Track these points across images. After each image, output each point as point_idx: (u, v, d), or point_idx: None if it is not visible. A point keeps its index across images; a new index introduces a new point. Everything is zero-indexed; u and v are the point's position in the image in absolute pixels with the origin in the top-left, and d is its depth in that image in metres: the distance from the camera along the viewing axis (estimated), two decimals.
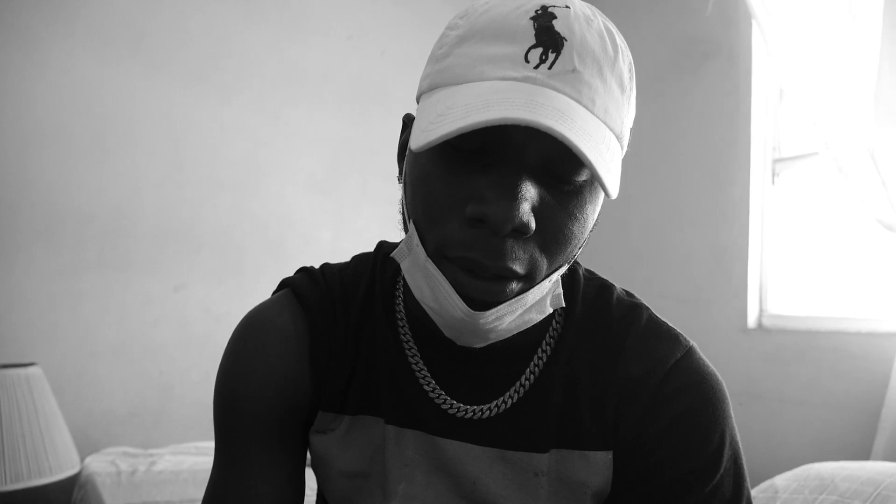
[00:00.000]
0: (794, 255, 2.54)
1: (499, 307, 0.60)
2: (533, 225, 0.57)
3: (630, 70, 0.62)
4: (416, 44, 3.04)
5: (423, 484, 0.72)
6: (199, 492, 1.96)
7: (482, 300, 0.60)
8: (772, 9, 2.30)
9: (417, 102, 0.67)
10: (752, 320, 2.55)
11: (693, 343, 0.73)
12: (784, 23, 2.28)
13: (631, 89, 0.62)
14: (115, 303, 2.40)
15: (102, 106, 2.39)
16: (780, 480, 1.63)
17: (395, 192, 2.72)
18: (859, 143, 2.04)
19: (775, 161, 2.59)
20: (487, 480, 0.70)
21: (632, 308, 0.75)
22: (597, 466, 0.70)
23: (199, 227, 2.58)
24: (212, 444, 2.33)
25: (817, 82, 2.16)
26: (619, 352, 0.72)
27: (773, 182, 2.59)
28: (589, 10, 0.61)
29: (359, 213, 2.90)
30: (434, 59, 0.63)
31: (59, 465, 1.86)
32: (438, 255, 0.61)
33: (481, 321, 0.61)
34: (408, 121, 0.72)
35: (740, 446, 0.70)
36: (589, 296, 0.75)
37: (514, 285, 0.60)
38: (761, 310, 2.57)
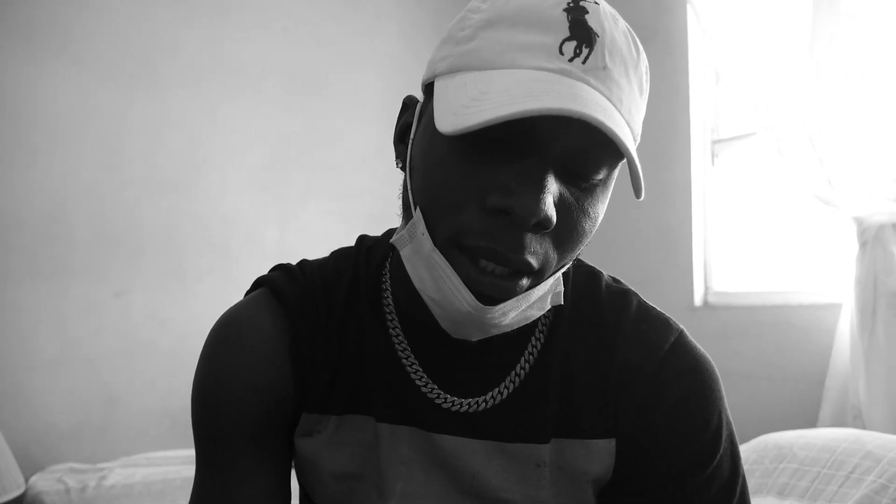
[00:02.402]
0: (736, 233, 2.62)
1: (506, 303, 0.60)
2: (555, 220, 0.56)
3: (647, 73, 0.62)
4: (354, 35, 2.99)
5: (422, 481, 0.70)
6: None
7: (491, 296, 0.59)
8: None
9: (425, 85, 0.65)
10: (698, 298, 2.62)
11: (682, 326, 0.74)
12: (718, 6, 2.34)
13: (646, 93, 0.63)
14: (52, 312, 2.28)
15: (27, 106, 2.27)
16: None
17: (341, 186, 2.69)
18: (796, 123, 2.11)
19: (714, 142, 2.66)
20: (487, 474, 0.69)
21: (621, 294, 0.75)
22: (599, 454, 0.69)
23: (137, 229, 2.48)
24: (164, 455, 2.26)
25: (753, 64, 2.23)
26: (613, 338, 0.71)
27: (712, 163, 2.66)
28: (612, 9, 0.61)
29: (304, 209, 2.84)
30: (454, 40, 0.62)
31: (2, 486, 1.76)
32: (450, 243, 0.59)
33: (488, 316, 0.60)
34: (409, 102, 0.70)
35: (733, 425, 0.71)
36: (578, 283, 0.75)
37: (525, 281, 0.60)
38: (707, 288, 2.64)
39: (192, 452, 2.29)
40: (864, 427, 1.90)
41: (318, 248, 2.75)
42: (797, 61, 2.14)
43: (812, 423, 2.12)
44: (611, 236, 2.86)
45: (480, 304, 0.59)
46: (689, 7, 2.56)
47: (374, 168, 2.98)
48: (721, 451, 0.68)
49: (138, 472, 2.07)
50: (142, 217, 2.49)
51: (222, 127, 2.67)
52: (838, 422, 2.01)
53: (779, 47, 2.18)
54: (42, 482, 1.96)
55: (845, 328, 2.04)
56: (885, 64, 1.92)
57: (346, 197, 2.91)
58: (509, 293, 0.59)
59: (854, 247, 2.01)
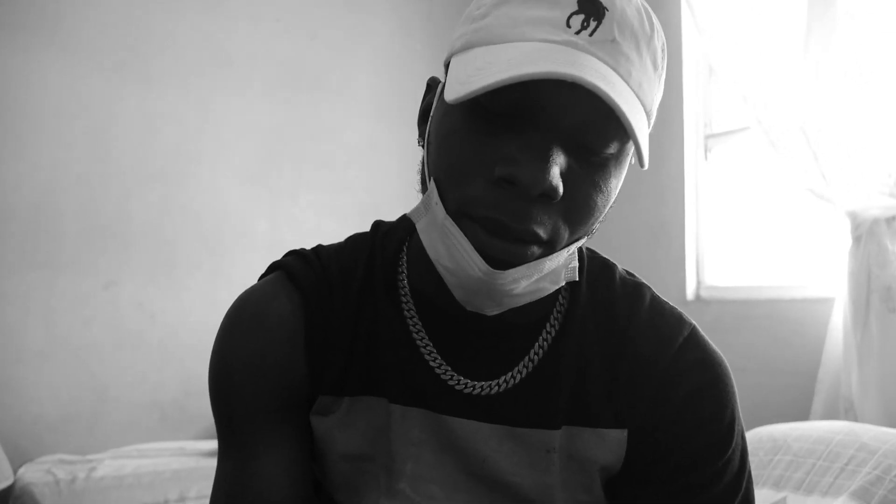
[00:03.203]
0: (728, 227, 2.62)
1: (517, 268, 0.60)
2: (561, 190, 0.57)
3: (663, 51, 0.63)
4: (347, 28, 2.97)
5: (432, 463, 0.70)
6: (148, 496, 1.88)
7: (503, 259, 0.59)
8: None
9: (446, 66, 0.66)
10: (690, 292, 2.62)
11: (694, 322, 0.75)
12: (714, 1, 2.33)
13: (663, 69, 0.63)
14: (41, 304, 2.26)
15: (16, 96, 2.24)
16: None
17: (332, 179, 2.69)
18: (790, 116, 2.11)
19: (707, 137, 2.66)
20: (497, 458, 0.69)
21: (635, 287, 0.76)
22: (611, 444, 0.70)
23: (127, 221, 2.45)
24: (154, 446, 2.25)
25: (747, 58, 2.23)
26: (626, 331, 0.72)
27: (705, 157, 2.67)
28: None
29: (295, 202, 2.82)
30: (470, 19, 0.63)
31: None
32: (460, 213, 0.60)
33: (499, 281, 0.60)
34: (433, 84, 0.71)
35: (742, 421, 0.72)
36: (593, 273, 0.75)
37: (536, 249, 0.60)
38: (699, 282, 2.65)
39: (181, 444, 2.28)
40: (855, 420, 1.90)
41: (310, 242, 2.73)
42: (791, 56, 2.14)
43: (804, 415, 2.12)
44: (603, 229, 2.85)
45: (491, 269, 0.59)
46: (683, 1, 2.56)
47: (367, 162, 2.97)
48: (733, 444, 0.69)
49: (128, 463, 2.05)
50: (132, 209, 2.46)
51: (214, 119, 2.65)
52: (830, 415, 2.01)
53: (773, 42, 2.18)
54: (31, 473, 1.93)
55: (838, 322, 2.05)
56: (880, 59, 1.93)
57: (338, 190, 2.89)
58: (519, 258, 0.59)
59: (847, 241, 2.01)
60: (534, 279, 0.63)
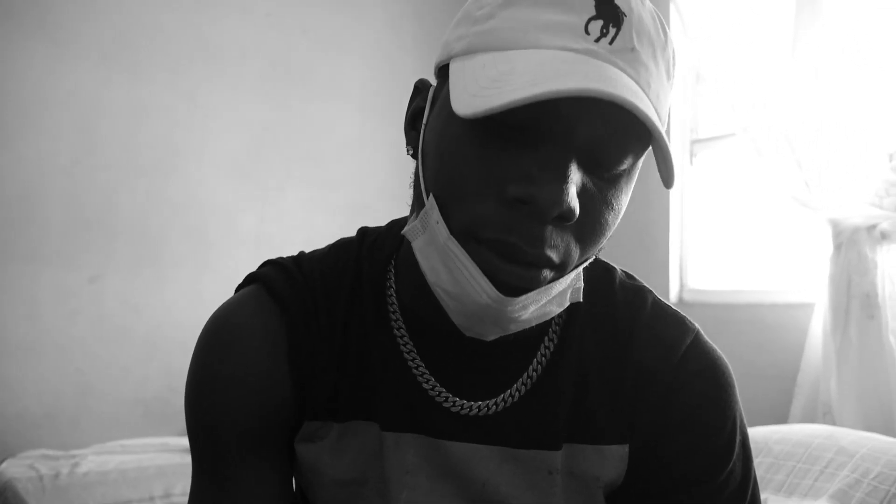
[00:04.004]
0: (712, 232, 2.66)
1: (528, 294, 0.56)
2: (578, 212, 0.53)
3: (674, 58, 0.59)
4: (338, 23, 2.97)
5: (428, 490, 0.66)
6: (133, 492, 1.88)
7: (514, 286, 0.55)
8: None
9: (438, 67, 0.62)
10: (673, 295, 2.66)
11: (697, 325, 0.72)
12: (701, 6, 2.36)
13: (674, 77, 0.60)
14: (25, 297, 2.24)
15: (1, 86, 2.22)
16: None
17: (321, 175, 2.67)
18: (775, 124, 2.14)
19: (693, 142, 2.69)
20: (498, 481, 0.66)
21: (636, 292, 0.73)
22: (613, 461, 0.67)
23: (113, 214, 2.43)
24: (138, 442, 2.23)
25: (734, 66, 2.26)
26: (629, 338, 0.69)
27: (691, 162, 2.70)
28: None
29: (283, 198, 2.81)
30: (471, 19, 0.58)
31: None
32: (466, 234, 0.56)
33: (508, 308, 0.56)
34: (421, 86, 0.66)
35: (746, 426, 0.70)
36: (592, 279, 0.70)
37: (548, 273, 0.57)
38: (682, 285, 2.68)
39: (165, 440, 2.27)
40: (833, 423, 1.94)
41: (297, 237, 2.75)
42: (778, 65, 2.18)
43: (783, 418, 2.16)
44: None
45: (501, 296, 0.55)
46: (671, 6, 2.58)
47: (355, 157, 2.97)
48: (734, 456, 0.68)
49: (112, 459, 2.04)
50: (118, 201, 2.44)
51: (202, 112, 2.64)
52: (809, 418, 2.05)
53: (760, 50, 2.22)
54: (14, 468, 1.92)
55: (818, 327, 2.08)
56: (865, 71, 1.97)
57: (326, 186, 2.89)
58: (531, 283, 0.56)
59: (829, 248, 2.05)
60: (542, 304, 0.59)
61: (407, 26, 3.10)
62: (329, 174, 2.90)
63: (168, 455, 2.12)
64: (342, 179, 2.92)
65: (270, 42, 2.81)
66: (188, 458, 2.08)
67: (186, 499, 1.86)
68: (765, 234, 2.49)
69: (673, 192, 2.66)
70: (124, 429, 2.39)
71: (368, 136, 2.98)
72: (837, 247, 2.02)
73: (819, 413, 2.04)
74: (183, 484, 1.94)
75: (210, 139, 2.65)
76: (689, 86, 2.72)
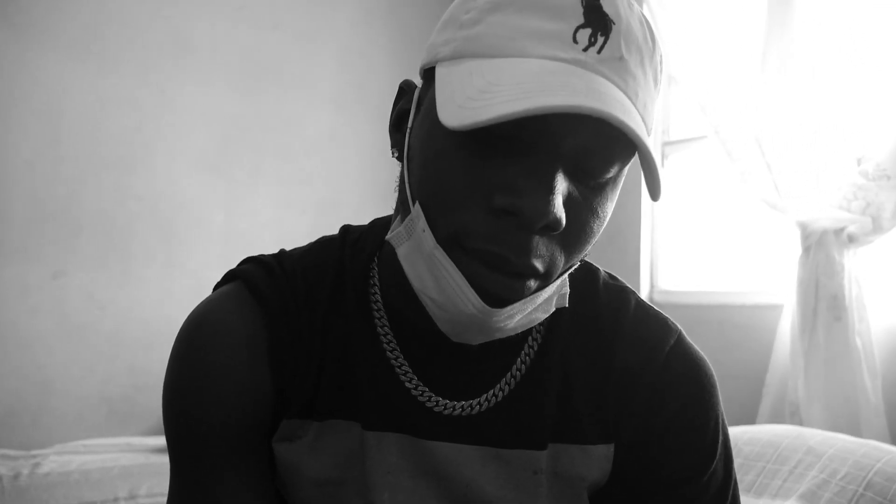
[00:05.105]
0: (682, 233, 2.68)
1: (513, 305, 0.57)
2: (564, 222, 0.53)
3: (661, 63, 0.59)
4: (310, 18, 2.93)
5: (410, 491, 0.66)
6: (95, 493, 1.83)
7: (499, 296, 0.55)
8: None
9: (424, 70, 0.61)
10: (643, 295, 2.67)
11: (679, 326, 0.73)
12: (674, 9, 2.38)
13: (661, 84, 0.60)
14: None
15: None
16: None
17: (291, 171, 2.64)
18: (746, 127, 2.17)
19: (664, 144, 2.71)
20: (482, 482, 0.66)
21: (619, 292, 0.73)
22: (598, 460, 0.67)
23: (78, 207, 2.38)
24: (101, 442, 2.19)
25: (706, 69, 2.28)
26: (611, 340, 0.70)
27: (662, 164, 2.72)
28: None
29: (254, 193, 2.77)
30: (458, 23, 0.57)
31: None
32: (452, 243, 0.56)
33: (494, 318, 0.56)
34: (406, 87, 0.65)
35: (727, 427, 0.71)
36: (576, 281, 0.70)
37: (532, 283, 0.57)
38: (652, 286, 2.70)
39: (129, 440, 2.23)
40: (801, 424, 1.97)
41: (267, 233, 2.72)
42: (749, 69, 2.20)
43: (751, 419, 2.19)
44: None
45: (487, 307, 0.55)
46: (644, 8, 2.60)
47: (326, 154, 2.94)
48: (717, 456, 0.69)
49: (74, 459, 1.99)
50: (83, 195, 2.39)
51: (172, 106, 2.59)
52: (776, 418, 2.08)
53: (732, 54, 2.24)
54: None
55: (786, 329, 2.11)
56: (835, 76, 1.99)
57: (297, 182, 2.85)
58: (517, 293, 0.56)
59: (797, 251, 2.08)
60: (527, 312, 0.59)
61: (379, 21, 3.08)
62: (299, 170, 2.87)
63: (132, 455, 2.07)
64: (312, 175, 2.89)
65: (242, 36, 2.77)
66: (153, 459, 2.05)
67: (152, 500, 1.82)
68: (735, 236, 2.51)
69: (644, 193, 2.68)
70: (87, 428, 2.34)
71: (339, 133, 2.96)
72: (806, 249, 2.05)
73: (787, 413, 2.06)
74: (148, 484, 1.90)
75: (179, 133, 2.61)
76: (662, 88, 2.74)
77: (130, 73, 2.49)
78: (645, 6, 2.55)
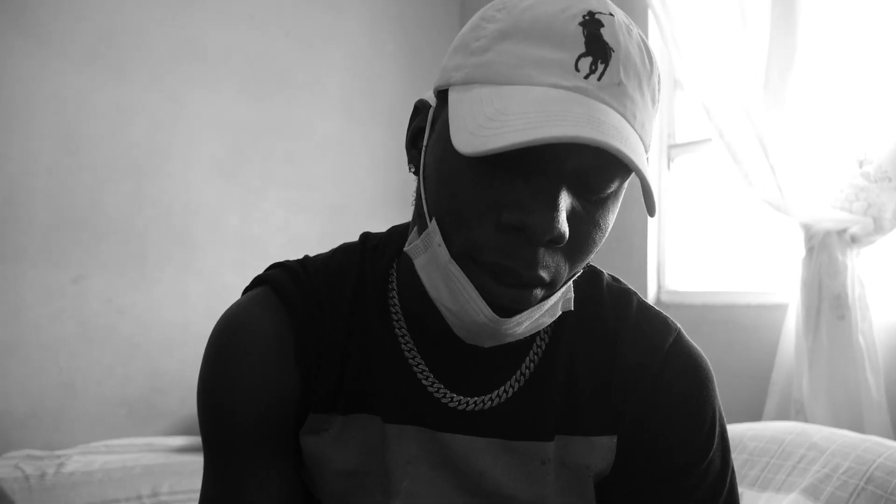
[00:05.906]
0: (689, 235, 2.72)
1: (521, 314, 0.62)
2: (568, 235, 0.58)
3: (659, 83, 0.63)
4: (321, 26, 2.99)
5: (427, 480, 0.71)
6: (120, 491, 1.89)
7: (508, 307, 0.60)
8: (668, 1, 2.43)
9: (437, 91, 0.65)
10: (651, 296, 2.71)
11: (679, 325, 0.77)
12: (679, 14, 2.42)
13: (658, 102, 0.64)
14: (8, 297, 2.23)
15: None
16: None
17: (301, 176, 2.69)
18: (750, 130, 2.20)
19: (670, 147, 2.75)
20: (494, 472, 0.70)
21: (622, 294, 0.78)
22: (602, 451, 0.72)
23: (97, 214, 2.44)
24: (122, 442, 2.24)
25: (711, 73, 2.31)
26: (615, 338, 0.74)
27: (668, 167, 2.76)
28: (626, 18, 0.61)
29: (265, 198, 2.83)
30: (469, 50, 0.61)
31: None
32: (465, 257, 0.60)
33: (504, 326, 0.61)
34: (421, 106, 0.69)
35: (724, 419, 0.76)
36: (580, 283, 0.75)
37: (539, 292, 0.61)
38: (659, 286, 2.74)
39: (150, 440, 2.28)
40: (806, 420, 2.00)
41: (280, 238, 2.77)
42: (753, 72, 2.23)
43: (757, 416, 2.22)
44: None
45: (497, 317, 0.60)
46: (649, 13, 2.63)
47: (336, 159, 2.99)
48: (714, 446, 0.73)
49: (97, 459, 2.05)
50: (102, 202, 2.45)
51: (186, 113, 2.64)
52: (782, 415, 2.11)
53: (735, 58, 2.27)
54: None
55: (790, 328, 2.14)
56: (837, 79, 2.03)
57: (307, 187, 2.91)
58: (525, 303, 0.61)
59: (801, 251, 2.11)
60: (535, 318, 0.64)
61: (387, 28, 3.13)
62: (309, 175, 2.92)
63: (153, 455, 2.13)
64: (322, 180, 2.94)
65: (253, 43, 2.83)
66: (174, 458, 2.10)
67: (174, 497, 1.88)
68: (740, 238, 2.55)
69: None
70: (108, 429, 2.39)
71: (348, 138, 3.01)
72: (809, 250, 2.08)
73: (792, 410, 2.09)
74: (170, 483, 1.96)
75: (193, 139, 2.67)
76: (668, 92, 2.78)
77: (145, 82, 2.55)
78: (649, 12, 2.59)
